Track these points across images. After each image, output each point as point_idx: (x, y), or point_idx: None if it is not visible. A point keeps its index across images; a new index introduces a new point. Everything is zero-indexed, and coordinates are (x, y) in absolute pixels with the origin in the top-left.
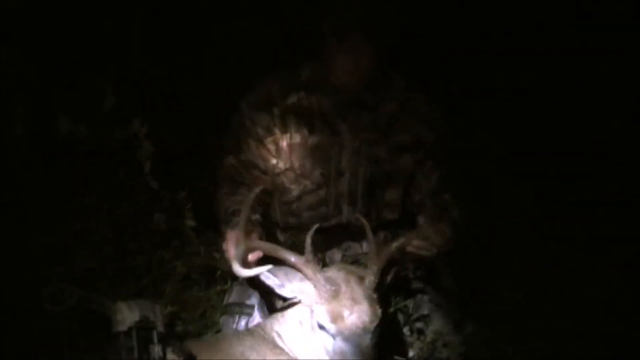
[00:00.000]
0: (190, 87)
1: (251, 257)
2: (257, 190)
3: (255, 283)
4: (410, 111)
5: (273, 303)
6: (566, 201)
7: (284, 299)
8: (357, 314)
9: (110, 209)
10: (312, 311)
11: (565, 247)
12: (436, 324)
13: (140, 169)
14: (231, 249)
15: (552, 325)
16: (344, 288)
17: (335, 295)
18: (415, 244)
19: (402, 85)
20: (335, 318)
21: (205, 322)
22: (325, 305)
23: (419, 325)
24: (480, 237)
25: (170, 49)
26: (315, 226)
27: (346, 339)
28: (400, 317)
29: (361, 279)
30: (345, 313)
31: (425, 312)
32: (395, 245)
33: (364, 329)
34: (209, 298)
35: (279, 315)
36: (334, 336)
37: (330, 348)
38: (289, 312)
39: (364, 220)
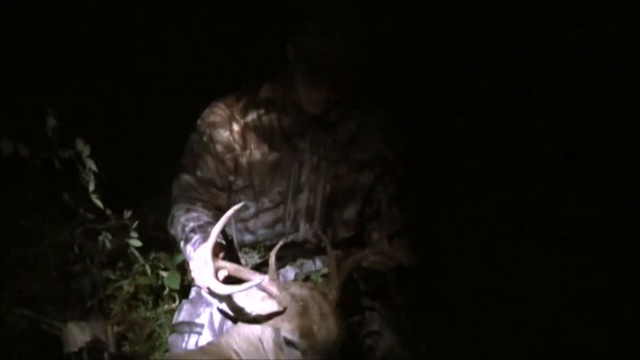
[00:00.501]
0: (135, 106)
1: (218, 276)
2: (235, 207)
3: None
4: (370, 129)
5: (225, 321)
6: (515, 209)
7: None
8: (325, 328)
9: (54, 230)
10: (277, 329)
11: (522, 257)
12: (387, 340)
13: (84, 189)
14: (199, 268)
15: (508, 340)
16: (310, 304)
17: (303, 311)
18: (371, 260)
19: (362, 103)
20: (305, 333)
21: (154, 342)
22: (294, 322)
23: (369, 341)
24: (434, 250)
25: (114, 67)
26: (280, 244)
27: (316, 354)
28: (352, 332)
29: (324, 295)
30: (315, 328)
31: (376, 328)
32: (353, 260)
33: (334, 343)
34: (156, 317)
35: (234, 333)
36: (304, 352)
37: None
38: (247, 330)
39: (324, 237)
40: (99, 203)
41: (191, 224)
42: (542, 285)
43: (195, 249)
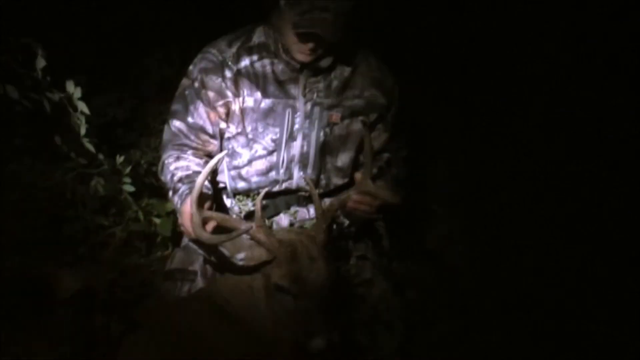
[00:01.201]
0: (128, 50)
1: (207, 227)
2: (217, 158)
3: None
4: (363, 75)
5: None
6: (498, 163)
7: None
8: (315, 272)
9: (45, 175)
10: (267, 275)
11: (506, 212)
12: (378, 288)
13: (75, 134)
14: (187, 220)
15: (493, 291)
16: (299, 248)
17: (292, 256)
18: (355, 199)
19: (356, 50)
20: (296, 278)
21: (146, 289)
22: (283, 268)
23: (361, 290)
24: (421, 202)
25: (106, 8)
26: (264, 191)
27: (308, 297)
28: (344, 282)
29: (312, 238)
30: (305, 272)
31: (368, 276)
32: (337, 200)
33: (324, 285)
34: (149, 265)
35: (224, 280)
36: (295, 296)
37: (291, 309)
38: (236, 277)
39: (309, 180)
40: (90, 147)
41: (179, 174)
42: (533, 234)
43: (182, 201)
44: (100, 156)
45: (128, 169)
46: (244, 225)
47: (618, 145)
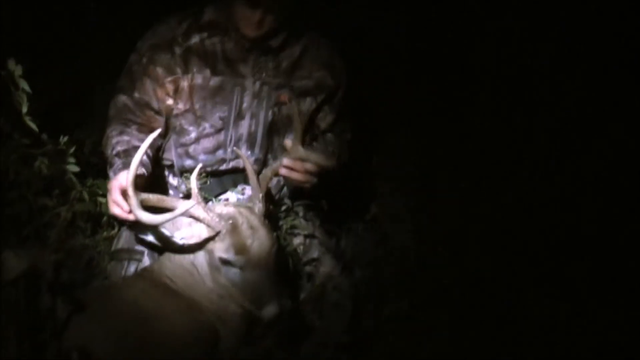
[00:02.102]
0: (71, 27)
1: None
2: (152, 136)
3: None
4: (312, 56)
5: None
6: (460, 148)
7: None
8: (258, 241)
9: None
10: (210, 250)
11: (453, 191)
12: (326, 267)
13: (17, 113)
14: (116, 198)
15: (440, 270)
16: (239, 220)
17: (233, 228)
18: (286, 164)
19: (306, 31)
20: (240, 249)
21: (92, 269)
22: (226, 241)
23: (308, 268)
24: (367, 181)
25: None
26: (199, 166)
27: (254, 267)
28: (290, 262)
29: (250, 210)
30: (248, 242)
31: (316, 255)
32: (270, 169)
33: (269, 254)
34: (95, 245)
35: (165, 259)
36: (242, 268)
37: (239, 280)
38: (179, 257)
39: (240, 153)
40: (33, 126)
41: (118, 148)
42: (482, 216)
43: (115, 176)
44: (44, 136)
45: (72, 149)
46: (183, 204)
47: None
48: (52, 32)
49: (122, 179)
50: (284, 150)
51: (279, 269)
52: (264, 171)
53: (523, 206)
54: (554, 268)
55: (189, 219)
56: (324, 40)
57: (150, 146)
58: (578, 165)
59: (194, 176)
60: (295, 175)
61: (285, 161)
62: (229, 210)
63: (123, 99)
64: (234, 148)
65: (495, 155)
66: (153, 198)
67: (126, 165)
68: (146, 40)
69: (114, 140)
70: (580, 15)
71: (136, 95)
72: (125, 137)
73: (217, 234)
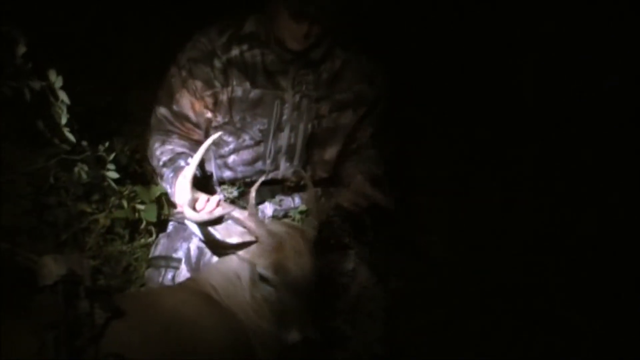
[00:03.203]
0: (109, 37)
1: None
2: (214, 136)
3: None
4: (353, 69)
5: (202, 257)
6: (491, 160)
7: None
8: (299, 266)
9: (27, 160)
10: (253, 264)
11: (489, 204)
12: (361, 278)
13: (56, 123)
14: (179, 197)
15: (474, 280)
16: (287, 241)
17: (279, 248)
18: (352, 201)
19: (347, 44)
20: (279, 270)
21: (129, 276)
22: (269, 258)
23: (344, 279)
24: (406, 192)
25: None
26: (260, 180)
27: (288, 289)
28: (327, 271)
29: (302, 233)
30: (289, 265)
31: (351, 267)
32: (335, 201)
33: (307, 281)
34: (133, 251)
35: (212, 268)
36: (276, 287)
37: (273, 299)
38: (225, 266)
39: (305, 175)
40: (70, 136)
41: (163, 159)
42: (515, 228)
43: (170, 184)
44: (83, 143)
45: (111, 156)
46: (237, 212)
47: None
48: (91, 40)
49: (184, 181)
50: (323, 164)
51: (314, 298)
52: (326, 201)
53: (563, 220)
54: (593, 277)
55: (241, 230)
56: (366, 53)
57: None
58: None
59: (254, 187)
60: (355, 209)
61: (352, 198)
62: (281, 229)
63: (162, 110)
64: (299, 169)
65: (532, 165)
66: (206, 198)
67: (177, 172)
68: (186, 52)
69: (158, 152)
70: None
71: (175, 107)
72: (168, 147)
73: (257, 243)
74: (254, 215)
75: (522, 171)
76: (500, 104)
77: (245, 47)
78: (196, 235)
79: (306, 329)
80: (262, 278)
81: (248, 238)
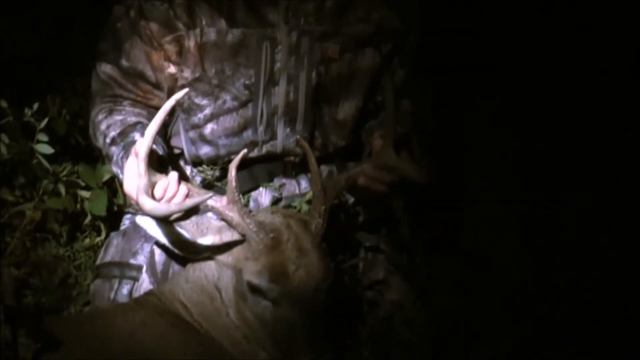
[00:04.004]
0: None
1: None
2: (177, 96)
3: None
4: None
5: (171, 263)
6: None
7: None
8: (305, 268)
9: None
10: (239, 270)
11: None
12: (394, 293)
13: None
14: (129, 183)
15: (551, 300)
16: (285, 235)
17: (274, 245)
18: (370, 174)
19: None
20: (277, 276)
21: (68, 290)
22: (261, 260)
23: (370, 294)
24: (453, 177)
25: None
26: (242, 153)
27: (293, 303)
28: (347, 282)
29: (305, 224)
30: (291, 268)
31: (380, 276)
32: (346, 177)
33: (316, 289)
34: (73, 256)
35: (181, 279)
36: (274, 301)
37: (269, 318)
38: (199, 276)
39: (304, 144)
40: None
41: (112, 133)
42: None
43: (121, 167)
44: (4, 104)
45: (44, 122)
46: (211, 198)
47: None
48: None
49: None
50: (338, 127)
51: (327, 312)
52: (335, 177)
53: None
54: None
55: (219, 224)
56: None
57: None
58: None
59: (234, 163)
60: (377, 187)
61: (371, 172)
62: (275, 220)
63: (107, 69)
64: (297, 137)
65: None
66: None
67: (129, 149)
68: None
69: (104, 125)
70: None
71: (124, 63)
72: (117, 117)
73: (252, 249)
74: (235, 202)
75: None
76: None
77: None
78: (154, 237)
79: (319, 356)
80: (254, 289)
81: (229, 235)
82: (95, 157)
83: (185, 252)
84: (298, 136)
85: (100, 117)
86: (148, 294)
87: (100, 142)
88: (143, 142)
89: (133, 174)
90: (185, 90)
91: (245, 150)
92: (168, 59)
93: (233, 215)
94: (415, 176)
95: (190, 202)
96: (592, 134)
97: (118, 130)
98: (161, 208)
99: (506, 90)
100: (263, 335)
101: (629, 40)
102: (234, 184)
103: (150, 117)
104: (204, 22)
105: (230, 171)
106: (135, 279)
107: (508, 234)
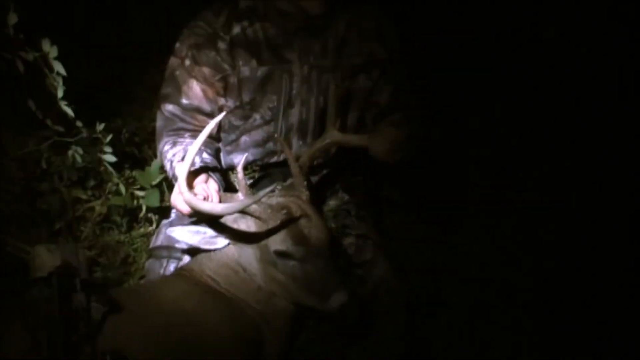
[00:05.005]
0: (110, 10)
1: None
2: (204, 131)
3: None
4: (359, 30)
5: None
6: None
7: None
8: (316, 229)
9: (19, 143)
10: (264, 246)
11: (521, 191)
12: (379, 269)
13: (52, 97)
14: (175, 195)
15: (503, 278)
16: (294, 209)
17: (287, 219)
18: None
19: (349, 4)
20: (299, 240)
21: (128, 267)
22: (282, 232)
23: (360, 271)
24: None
25: None
26: (244, 157)
27: (315, 257)
28: (342, 263)
29: (298, 197)
30: (306, 231)
31: (368, 257)
32: (306, 156)
33: (327, 242)
34: (131, 241)
35: (204, 259)
36: (302, 259)
37: (299, 273)
38: (220, 255)
39: (280, 140)
40: (68, 110)
41: (176, 159)
42: (543, 215)
43: None
44: (79, 123)
45: (109, 138)
46: (233, 197)
47: None
48: (89, 13)
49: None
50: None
51: (336, 256)
52: (301, 158)
53: (604, 224)
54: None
55: (232, 216)
56: (368, 8)
57: (211, 148)
58: None
59: (240, 166)
60: (356, 143)
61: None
62: (280, 200)
63: (170, 107)
64: (276, 135)
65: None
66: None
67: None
68: (185, 40)
69: (170, 154)
70: None
71: (184, 101)
72: (179, 147)
73: (269, 226)
74: (248, 196)
75: (560, 159)
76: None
77: (245, 23)
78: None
79: (347, 289)
80: (283, 254)
81: (244, 223)
82: (147, 164)
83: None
84: (279, 137)
85: (166, 147)
86: (181, 269)
87: (167, 168)
88: (183, 165)
89: (175, 191)
90: (220, 117)
91: (245, 155)
92: (218, 93)
93: (251, 205)
94: (357, 142)
95: (219, 209)
96: (583, 140)
97: (180, 157)
98: (188, 204)
99: (498, 93)
100: (296, 288)
101: (628, 41)
102: (244, 182)
103: (205, 144)
104: (240, 63)
105: (238, 173)
106: (180, 259)
107: (466, 225)
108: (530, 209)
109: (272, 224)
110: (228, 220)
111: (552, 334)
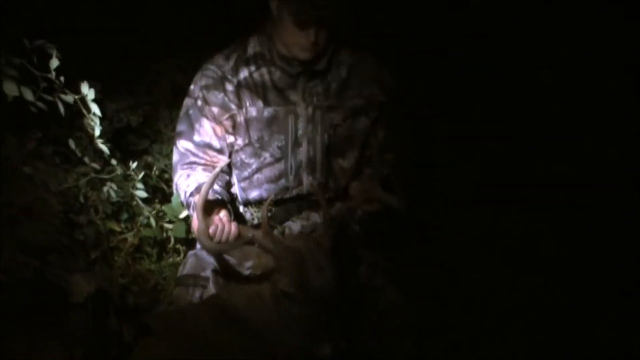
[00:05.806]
0: (141, 56)
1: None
2: (220, 166)
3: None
4: (360, 73)
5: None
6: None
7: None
8: (321, 278)
9: (59, 179)
10: (273, 284)
11: (524, 217)
12: (389, 295)
13: (89, 136)
14: (195, 226)
15: (506, 299)
16: (305, 255)
17: (298, 263)
18: (364, 207)
19: (350, 49)
20: (302, 284)
21: (157, 294)
22: (290, 274)
23: (370, 295)
24: (434, 201)
25: (121, 13)
26: (270, 198)
27: (313, 302)
28: (354, 288)
29: (319, 245)
30: (311, 278)
31: (378, 284)
32: (345, 207)
33: (331, 292)
34: (161, 270)
35: (233, 287)
36: (301, 302)
37: (298, 314)
38: (246, 286)
39: (316, 187)
40: (104, 148)
41: (190, 190)
42: (547, 238)
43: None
44: (113, 161)
45: (141, 175)
46: (250, 232)
47: None
48: (121, 58)
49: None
50: (344, 172)
51: (339, 308)
52: (337, 209)
53: (600, 234)
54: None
55: (258, 249)
56: (370, 55)
57: (222, 180)
58: None
59: (265, 205)
60: (371, 210)
61: (364, 205)
62: (298, 243)
63: (184, 143)
64: (312, 183)
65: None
66: (221, 223)
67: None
68: (197, 82)
69: (184, 185)
70: None
71: (196, 138)
72: (193, 179)
73: (282, 266)
74: (268, 233)
75: (564, 186)
76: (536, 112)
77: (252, 68)
78: (211, 262)
79: (336, 340)
80: (286, 294)
81: (265, 258)
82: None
83: (233, 275)
84: (315, 182)
85: (180, 179)
86: (210, 297)
87: (182, 197)
88: (200, 197)
89: (195, 222)
90: (226, 160)
91: (271, 197)
92: (227, 131)
93: (267, 243)
94: (393, 203)
95: (237, 243)
96: (583, 140)
97: (193, 188)
98: (214, 247)
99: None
100: (295, 327)
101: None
102: (266, 220)
103: (215, 177)
104: (247, 104)
105: (262, 211)
106: (205, 287)
107: (474, 251)
108: (535, 231)
109: (285, 264)
110: (253, 254)
111: (560, 356)
